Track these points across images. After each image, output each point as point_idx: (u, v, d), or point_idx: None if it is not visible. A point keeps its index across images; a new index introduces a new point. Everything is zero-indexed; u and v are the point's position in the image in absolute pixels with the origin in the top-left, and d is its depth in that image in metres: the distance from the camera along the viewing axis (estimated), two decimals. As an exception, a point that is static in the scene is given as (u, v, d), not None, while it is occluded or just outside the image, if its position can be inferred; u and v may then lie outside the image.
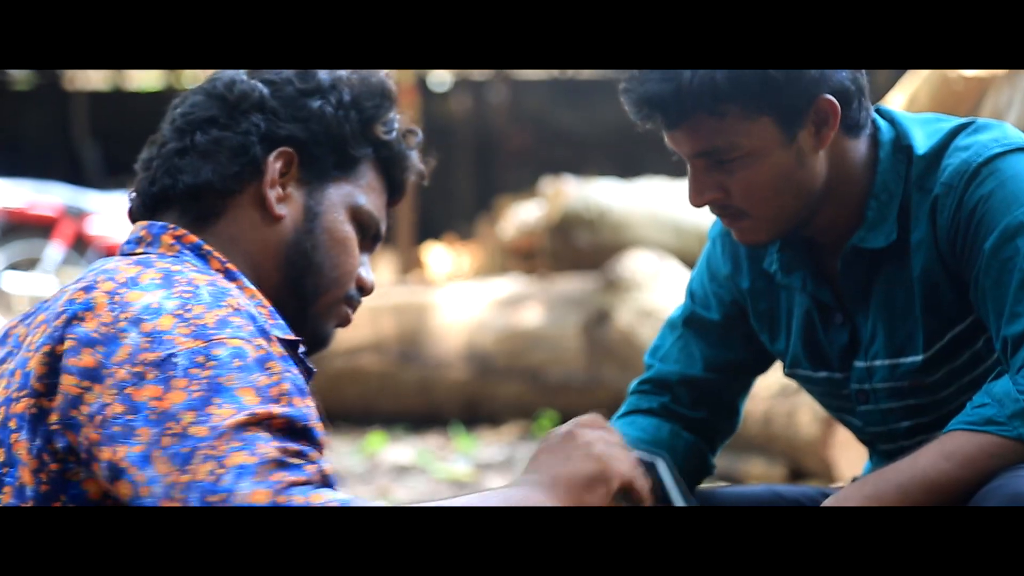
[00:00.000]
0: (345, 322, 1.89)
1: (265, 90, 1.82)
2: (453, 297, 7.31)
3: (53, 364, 1.61)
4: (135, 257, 1.75)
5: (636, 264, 6.62)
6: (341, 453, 6.26)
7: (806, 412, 4.75)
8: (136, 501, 1.53)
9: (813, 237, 2.12)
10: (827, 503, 1.93)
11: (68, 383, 1.59)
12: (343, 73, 1.86)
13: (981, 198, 1.98)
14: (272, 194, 1.81)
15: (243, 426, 1.53)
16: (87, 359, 1.59)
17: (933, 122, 2.10)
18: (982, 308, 1.99)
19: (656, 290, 6.45)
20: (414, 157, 1.92)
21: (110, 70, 14.66)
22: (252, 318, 1.65)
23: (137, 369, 1.57)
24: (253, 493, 1.49)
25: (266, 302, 1.76)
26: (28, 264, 11.03)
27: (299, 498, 1.50)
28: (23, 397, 1.62)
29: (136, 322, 1.60)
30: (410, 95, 9.74)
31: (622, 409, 2.29)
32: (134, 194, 1.85)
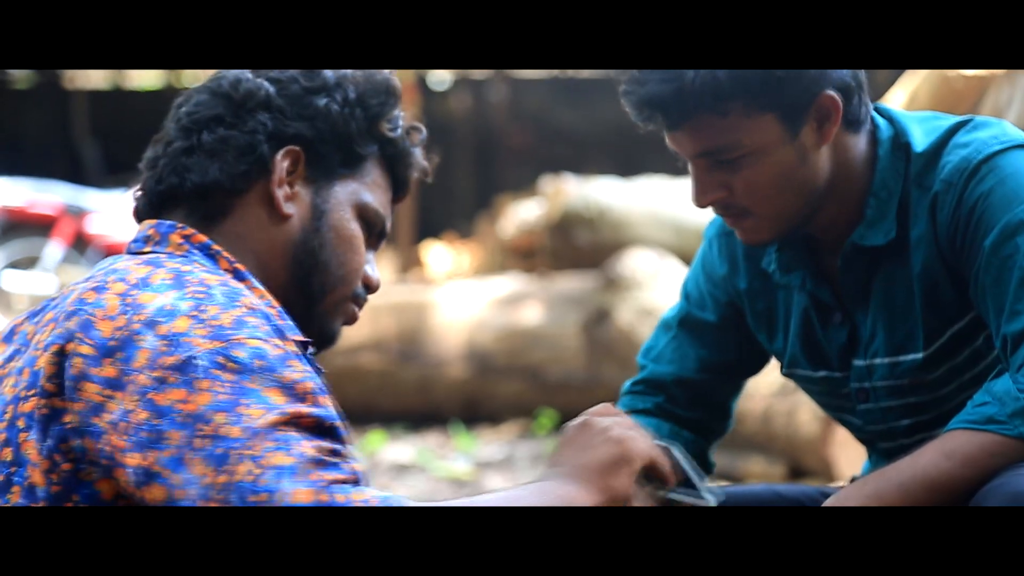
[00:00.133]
0: (352, 320, 1.89)
1: (271, 88, 1.81)
2: (453, 296, 7.31)
3: (63, 363, 1.60)
4: (144, 257, 1.74)
5: (636, 263, 6.62)
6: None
7: (806, 411, 4.76)
8: (172, 504, 1.53)
9: (813, 236, 2.12)
10: (828, 503, 1.93)
11: (91, 391, 1.58)
12: (347, 71, 1.86)
13: (981, 195, 1.98)
14: (280, 193, 1.81)
15: (275, 426, 1.53)
16: (109, 369, 1.58)
17: (931, 120, 2.10)
18: (982, 306, 1.99)
19: (656, 289, 6.45)
20: (418, 154, 1.92)
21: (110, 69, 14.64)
22: (267, 317, 1.65)
23: (158, 374, 1.56)
24: (296, 492, 1.49)
25: (275, 302, 1.75)
26: (28, 263, 11.04)
27: (341, 496, 1.50)
28: (32, 396, 1.61)
29: (151, 324, 1.59)
30: (410, 93, 9.75)
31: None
32: (139, 193, 1.84)
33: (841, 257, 2.09)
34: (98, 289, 1.65)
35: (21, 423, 1.61)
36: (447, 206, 14.16)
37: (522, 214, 8.39)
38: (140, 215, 1.84)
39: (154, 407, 1.55)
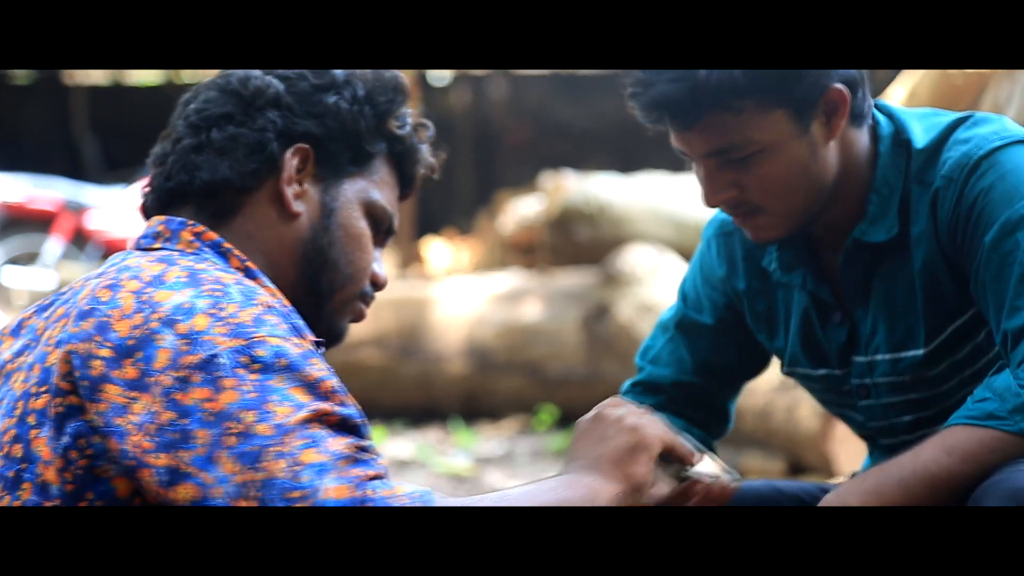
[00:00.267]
0: (359, 318, 1.89)
1: (280, 86, 1.81)
2: (453, 292, 7.31)
3: (78, 363, 1.58)
4: (156, 254, 1.73)
5: (636, 258, 6.62)
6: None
7: (806, 406, 4.76)
8: (204, 503, 1.52)
9: (815, 234, 2.12)
10: (828, 499, 1.93)
11: (113, 392, 1.57)
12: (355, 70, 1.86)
13: (982, 191, 1.98)
14: (290, 191, 1.80)
15: (304, 423, 1.54)
16: (130, 370, 1.57)
17: (931, 116, 2.10)
18: (982, 302, 1.99)
19: (656, 284, 6.45)
20: (425, 151, 1.92)
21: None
22: (284, 316, 1.65)
23: (180, 373, 1.55)
24: (336, 489, 1.50)
25: (286, 301, 1.75)
26: (27, 259, 11.05)
27: (381, 492, 1.52)
28: (44, 393, 1.60)
29: (170, 323, 1.58)
30: (410, 90, 9.74)
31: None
32: (148, 189, 1.84)
33: (843, 254, 2.09)
34: (112, 287, 1.64)
35: (32, 420, 1.60)
36: (447, 202, 14.16)
37: (522, 210, 8.39)
38: (148, 211, 1.83)
39: (179, 407, 1.54)
